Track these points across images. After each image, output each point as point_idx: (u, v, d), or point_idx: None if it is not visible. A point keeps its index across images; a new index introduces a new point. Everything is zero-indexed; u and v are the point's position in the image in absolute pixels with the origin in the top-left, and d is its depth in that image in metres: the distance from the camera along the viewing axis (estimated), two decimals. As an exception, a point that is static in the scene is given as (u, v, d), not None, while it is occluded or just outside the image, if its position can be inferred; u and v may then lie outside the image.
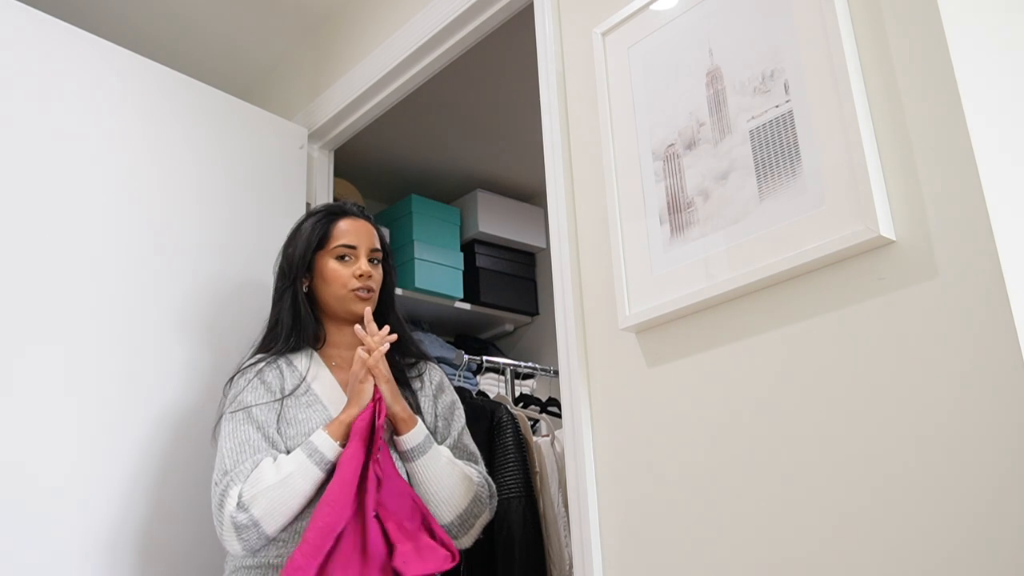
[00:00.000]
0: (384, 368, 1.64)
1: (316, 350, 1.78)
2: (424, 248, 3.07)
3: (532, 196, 3.41)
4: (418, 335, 3.08)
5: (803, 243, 1.16)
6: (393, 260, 1.93)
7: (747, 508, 1.19)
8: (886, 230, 1.09)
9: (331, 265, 1.78)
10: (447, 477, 1.64)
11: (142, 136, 2.01)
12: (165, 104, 2.08)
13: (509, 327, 3.39)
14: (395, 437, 1.65)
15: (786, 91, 1.22)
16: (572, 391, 1.48)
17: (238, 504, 1.50)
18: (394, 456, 1.64)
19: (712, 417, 1.26)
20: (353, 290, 1.77)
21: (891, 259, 1.10)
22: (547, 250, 3.29)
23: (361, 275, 1.77)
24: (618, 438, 1.40)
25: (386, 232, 1.98)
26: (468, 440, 1.78)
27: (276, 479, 1.52)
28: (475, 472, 1.70)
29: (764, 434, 1.19)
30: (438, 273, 3.08)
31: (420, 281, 3.03)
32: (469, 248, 3.26)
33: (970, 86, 1.08)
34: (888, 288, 1.09)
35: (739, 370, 1.24)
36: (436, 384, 1.83)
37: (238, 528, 1.50)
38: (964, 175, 1.04)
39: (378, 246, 1.84)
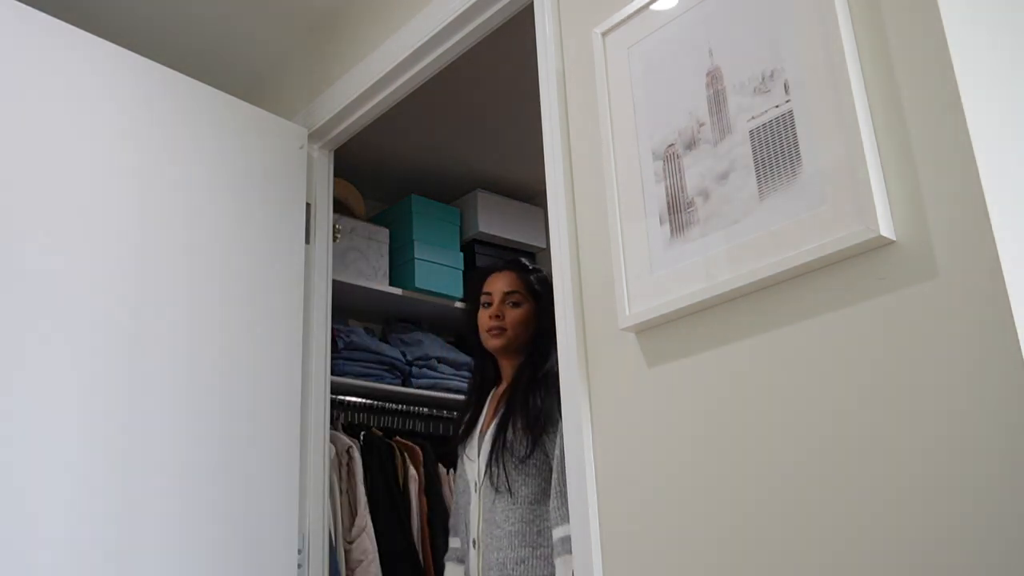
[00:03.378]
0: None
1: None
2: (424, 248, 3.07)
3: (532, 196, 3.41)
4: (418, 335, 3.11)
5: (803, 243, 1.16)
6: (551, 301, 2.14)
7: (748, 508, 1.19)
8: (886, 230, 1.09)
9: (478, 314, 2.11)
10: None
11: (141, 135, 2.01)
12: (165, 104, 2.08)
13: (509, 327, 3.38)
14: None
15: (786, 91, 1.22)
16: (572, 391, 1.48)
17: None
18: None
19: (712, 417, 1.26)
20: (488, 330, 2.06)
21: (891, 259, 1.10)
22: (547, 250, 3.28)
23: (493, 316, 2.05)
24: (618, 438, 1.40)
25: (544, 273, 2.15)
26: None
27: None
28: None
29: (764, 434, 1.19)
30: (438, 273, 3.08)
31: (420, 281, 3.02)
32: (469, 248, 3.26)
33: (970, 86, 1.08)
34: (888, 288, 1.09)
35: (739, 370, 1.24)
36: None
37: None
38: (964, 175, 1.04)
39: (511, 288, 2.07)
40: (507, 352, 2.07)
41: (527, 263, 2.19)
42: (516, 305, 2.06)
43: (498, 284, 2.09)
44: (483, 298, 2.10)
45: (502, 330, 2.04)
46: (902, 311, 1.08)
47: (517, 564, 1.83)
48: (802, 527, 1.13)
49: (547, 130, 1.65)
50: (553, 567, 1.79)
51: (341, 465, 2.61)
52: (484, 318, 2.08)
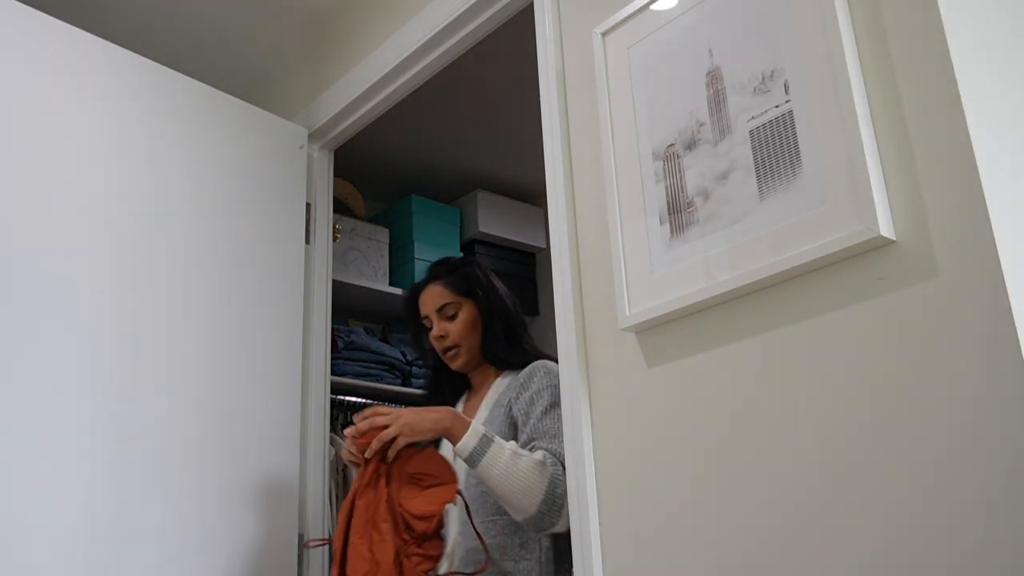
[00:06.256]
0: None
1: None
2: (424, 248, 3.07)
3: (532, 196, 3.41)
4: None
5: (803, 243, 1.16)
6: (485, 287, 1.99)
7: (747, 508, 1.19)
8: (886, 230, 1.09)
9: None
10: (513, 469, 1.64)
11: (141, 136, 2.01)
12: (164, 104, 2.08)
13: (509, 327, 3.38)
14: (453, 449, 1.68)
15: (786, 91, 1.22)
16: (572, 391, 1.48)
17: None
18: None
19: (712, 417, 1.26)
20: (443, 353, 1.98)
21: (891, 259, 1.10)
22: (547, 250, 3.29)
23: (437, 337, 1.97)
24: (618, 438, 1.40)
25: (470, 272, 2.04)
26: (547, 423, 1.76)
27: None
28: (542, 454, 1.67)
29: (764, 434, 1.19)
30: (438, 273, 3.08)
31: (420, 281, 3.02)
32: (469, 248, 3.26)
33: (970, 86, 1.08)
34: (888, 288, 1.09)
35: (739, 370, 1.24)
36: (521, 383, 1.85)
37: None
38: (964, 175, 1.04)
39: (443, 302, 1.97)
40: (470, 366, 1.99)
41: (450, 261, 2.08)
42: (453, 317, 1.96)
43: (427, 304, 1.99)
44: (424, 322, 2.01)
45: (455, 347, 1.95)
46: (902, 311, 1.08)
47: None
48: (802, 527, 1.13)
49: (547, 130, 1.65)
50: None
51: (336, 472, 2.60)
52: (434, 341, 1.98)
